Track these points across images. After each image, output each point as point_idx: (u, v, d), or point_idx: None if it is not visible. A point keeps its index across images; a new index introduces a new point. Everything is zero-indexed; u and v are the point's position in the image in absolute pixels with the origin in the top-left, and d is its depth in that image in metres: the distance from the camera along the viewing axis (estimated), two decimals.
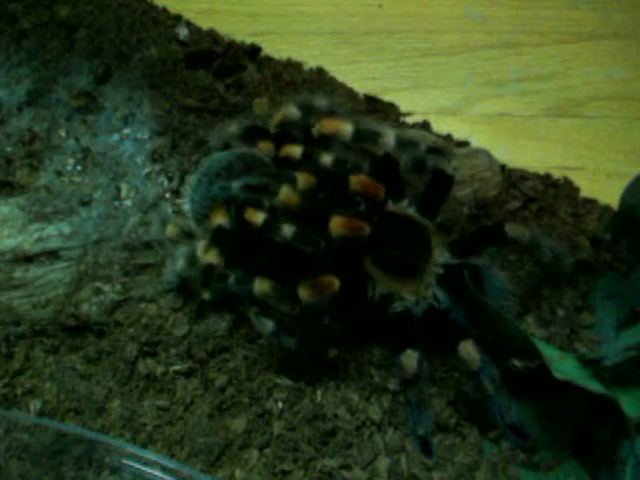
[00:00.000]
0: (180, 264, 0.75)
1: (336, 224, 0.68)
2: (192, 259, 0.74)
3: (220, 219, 0.72)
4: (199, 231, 0.76)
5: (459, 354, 0.68)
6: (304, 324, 0.72)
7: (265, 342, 0.76)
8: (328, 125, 0.73)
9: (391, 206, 0.75)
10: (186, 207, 0.78)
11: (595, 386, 0.66)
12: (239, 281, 0.72)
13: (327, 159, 0.72)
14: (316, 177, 0.70)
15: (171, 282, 0.78)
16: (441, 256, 0.74)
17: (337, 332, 0.77)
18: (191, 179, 0.79)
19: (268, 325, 0.71)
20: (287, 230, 0.68)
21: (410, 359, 0.68)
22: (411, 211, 0.75)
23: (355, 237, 0.68)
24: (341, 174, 0.70)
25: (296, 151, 0.74)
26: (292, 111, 0.76)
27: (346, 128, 0.73)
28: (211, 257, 0.71)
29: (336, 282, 0.68)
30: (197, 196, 0.77)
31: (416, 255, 0.73)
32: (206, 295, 0.74)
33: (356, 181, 0.70)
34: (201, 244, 0.73)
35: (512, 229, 0.74)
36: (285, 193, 0.68)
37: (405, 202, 0.76)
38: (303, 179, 0.69)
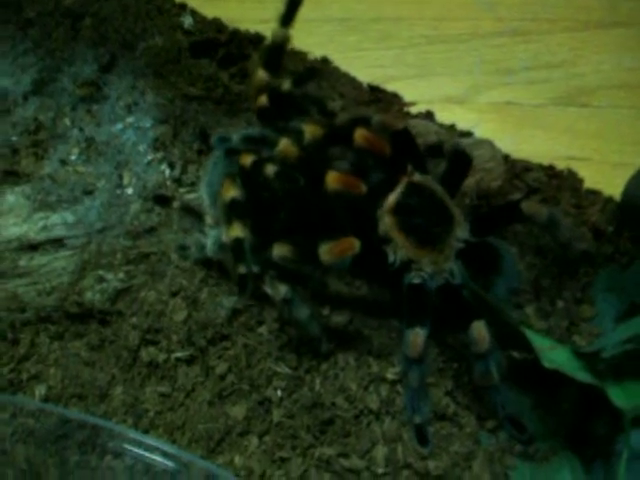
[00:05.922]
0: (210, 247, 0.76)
1: (331, 179, 0.68)
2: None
3: (232, 192, 0.71)
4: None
5: (470, 333, 0.68)
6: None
7: (265, 330, 0.77)
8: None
9: (418, 177, 0.75)
10: (204, 193, 0.78)
11: (584, 376, 0.67)
12: (254, 249, 0.72)
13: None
14: (323, 129, 0.70)
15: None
16: (462, 232, 0.75)
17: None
18: (206, 166, 0.79)
19: (281, 290, 0.70)
20: (270, 169, 0.68)
21: (417, 337, 0.68)
22: (436, 185, 0.76)
23: (350, 194, 0.69)
24: (348, 128, 0.71)
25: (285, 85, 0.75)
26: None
27: None
28: (236, 231, 0.70)
29: (357, 243, 0.69)
30: (214, 177, 0.77)
31: (439, 226, 0.74)
32: (242, 269, 0.72)
33: (360, 136, 0.70)
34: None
35: (528, 207, 0.75)
36: (284, 144, 0.68)
37: (429, 177, 0.76)
38: (310, 130, 0.69)
